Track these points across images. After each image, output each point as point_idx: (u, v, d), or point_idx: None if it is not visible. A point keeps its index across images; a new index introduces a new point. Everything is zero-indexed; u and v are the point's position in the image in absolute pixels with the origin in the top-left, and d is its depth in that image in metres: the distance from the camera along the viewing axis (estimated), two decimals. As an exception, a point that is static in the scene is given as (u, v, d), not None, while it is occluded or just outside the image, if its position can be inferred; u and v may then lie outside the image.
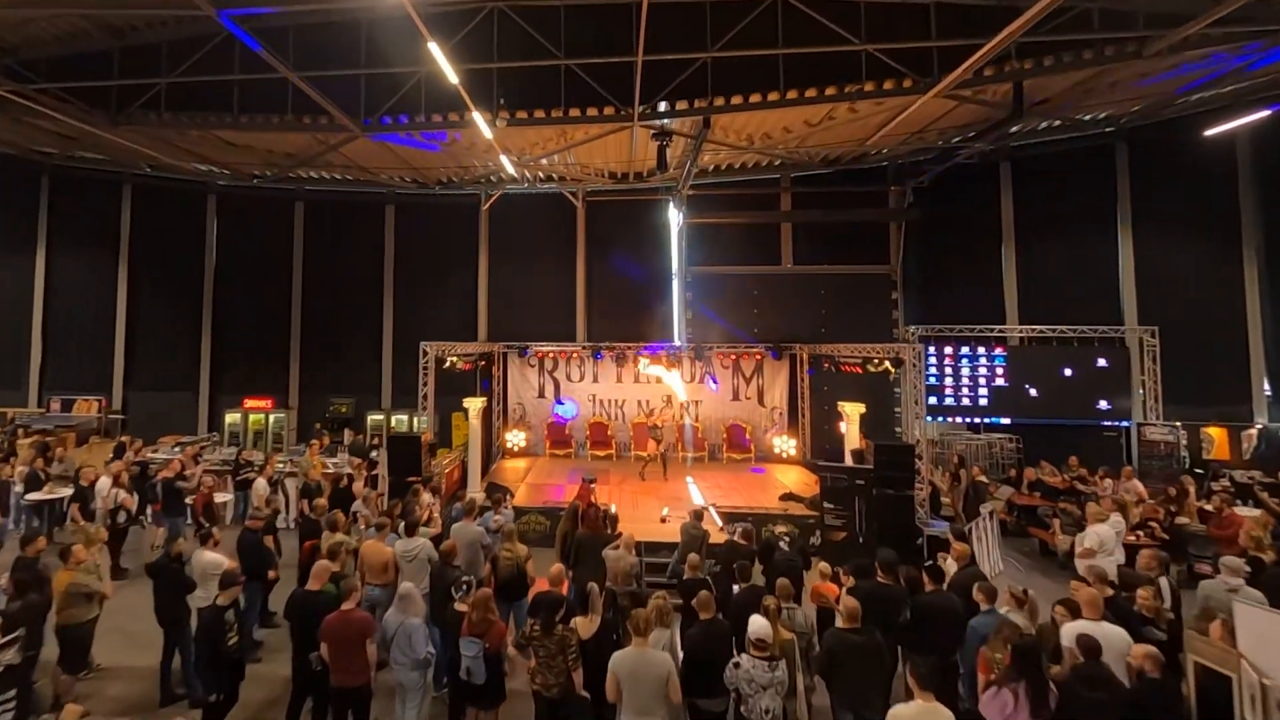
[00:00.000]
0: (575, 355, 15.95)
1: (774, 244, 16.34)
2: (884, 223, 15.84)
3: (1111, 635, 4.57)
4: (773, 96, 10.84)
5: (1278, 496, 9.94)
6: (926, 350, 11.45)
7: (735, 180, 16.38)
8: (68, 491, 9.75)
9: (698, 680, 4.57)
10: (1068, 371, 13.32)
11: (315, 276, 17.49)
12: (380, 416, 16.04)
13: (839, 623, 4.74)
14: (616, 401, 15.94)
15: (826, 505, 9.66)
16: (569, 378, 16.09)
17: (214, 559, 6.15)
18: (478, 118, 10.51)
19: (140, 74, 11.48)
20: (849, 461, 11.04)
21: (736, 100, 10.91)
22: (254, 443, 15.37)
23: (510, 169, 14.26)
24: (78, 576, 5.77)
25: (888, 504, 9.09)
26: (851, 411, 12.13)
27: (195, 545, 6.47)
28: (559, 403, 15.90)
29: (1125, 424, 13.04)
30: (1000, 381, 13.62)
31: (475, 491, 11.33)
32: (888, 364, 11.22)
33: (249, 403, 16.22)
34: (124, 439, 13.38)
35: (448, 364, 11.77)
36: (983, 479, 10.74)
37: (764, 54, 10.46)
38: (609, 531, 7.35)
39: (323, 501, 7.93)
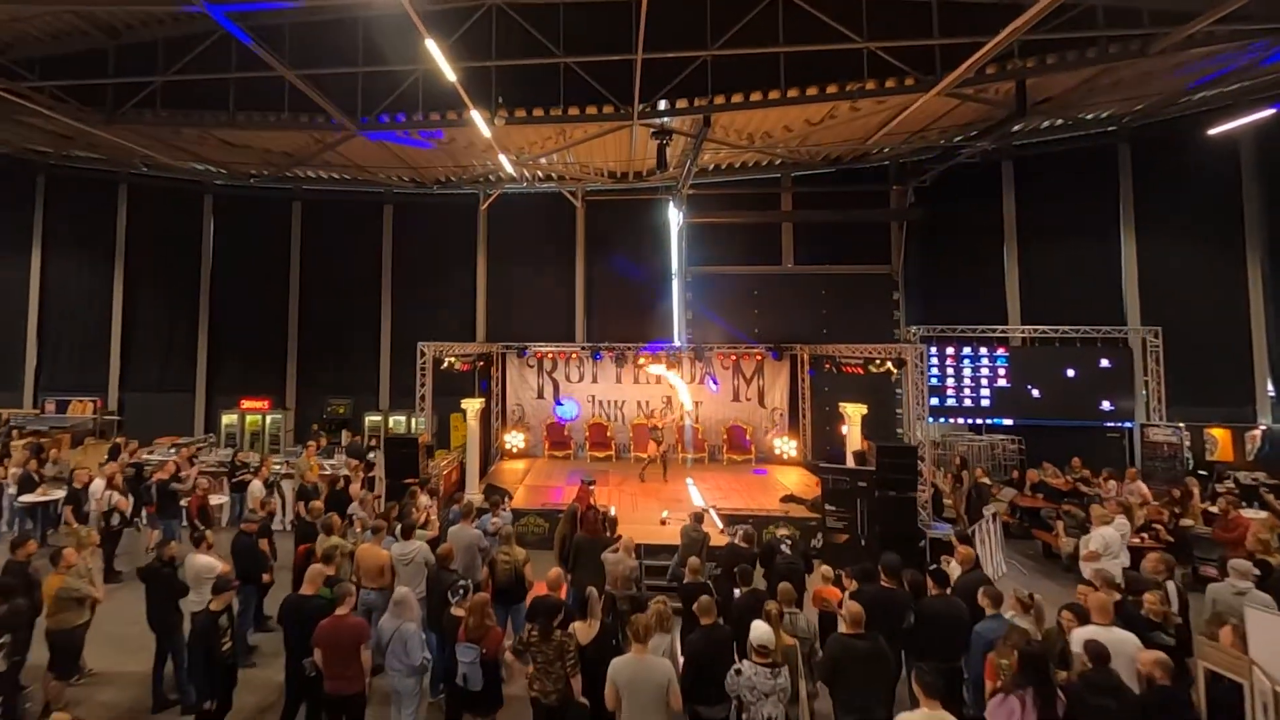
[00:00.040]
0: (574, 356, 15.85)
1: (775, 244, 16.25)
2: (885, 222, 15.77)
3: (1120, 641, 4.48)
4: (773, 95, 10.80)
5: (1283, 498, 9.86)
6: (928, 351, 11.35)
7: (735, 179, 16.30)
8: (61, 493, 9.66)
9: (698, 687, 4.49)
10: (1070, 372, 13.24)
11: (313, 276, 17.39)
12: (378, 417, 15.96)
13: (842, 628, 4.67)
14: (616, 402, 15.85)
15: (828, 507, 9.58)
16: (568, 378, 16.00)
17: (207, 562, 6.09)
18: (476, 116, 10.42)
19: (136, 72, 11.42)
20: (850, 463, 10.96)
21: (737, 98, 10.87)
22: (251, 444, 15.27)
23: (509, 168, 14.18)
24: (68, 581, 5.68)
25: (890, 506, 9.01)
26: (853, 412, 12.07)
27: (189, 548, 6.38)
28: (558, 403, 15.82)
29: (1128, 425, 12.96)
30: (1002, 382, 13.55)
31: (473, 493, 11.26)
32: (889, 365, 11.17)
33: (246, 403, 16.09)
34: (119, 440, 13.24)
35: (446, 364, 11.68)
36: (985, 480, 10.65)
37: (765, 52, 10.40)
38: (608, 534, 7.25)
39: (318, 504, 7.84)
